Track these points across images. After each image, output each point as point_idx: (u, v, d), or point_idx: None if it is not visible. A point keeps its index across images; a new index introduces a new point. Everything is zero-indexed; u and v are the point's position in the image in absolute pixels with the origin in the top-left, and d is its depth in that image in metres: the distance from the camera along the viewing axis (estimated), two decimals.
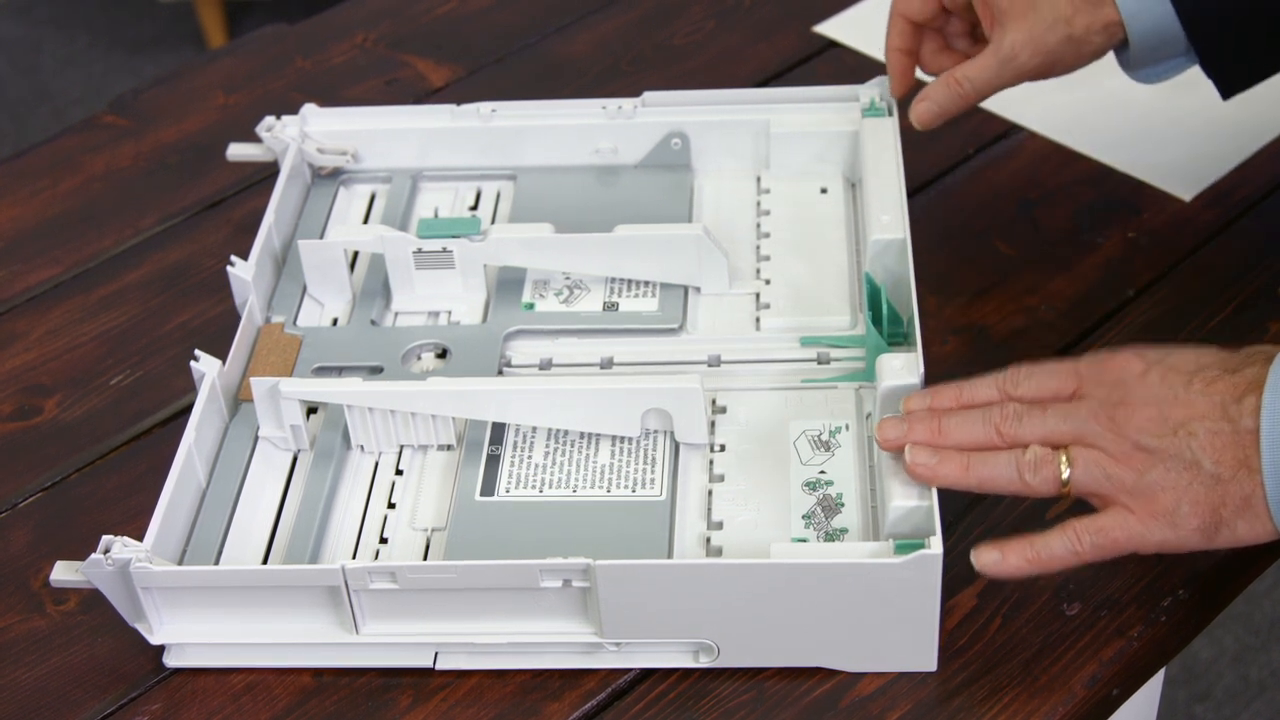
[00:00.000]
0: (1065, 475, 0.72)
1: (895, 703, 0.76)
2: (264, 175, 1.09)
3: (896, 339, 0.85)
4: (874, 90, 0.98)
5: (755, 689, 0.77)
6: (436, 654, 0.78)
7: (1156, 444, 0.71)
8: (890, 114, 0.97)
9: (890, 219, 0.88)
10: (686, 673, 0.78)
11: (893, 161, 0.93)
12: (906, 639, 0.76)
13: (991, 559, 0.73)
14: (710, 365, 0.89)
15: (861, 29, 1.20)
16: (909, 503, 0.75)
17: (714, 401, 0.87)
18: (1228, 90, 0.93)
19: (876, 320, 0.85)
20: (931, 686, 0.77)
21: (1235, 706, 1.70)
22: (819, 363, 0.88)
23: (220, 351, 0.87)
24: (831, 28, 1.20)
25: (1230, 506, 0.71)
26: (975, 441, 0.74)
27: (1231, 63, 0.91)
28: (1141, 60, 0.91)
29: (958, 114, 0.93)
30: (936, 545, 0.72)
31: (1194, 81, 0.95)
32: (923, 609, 0.75)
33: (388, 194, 1.02)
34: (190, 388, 0.88)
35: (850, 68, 1.16)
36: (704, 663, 0.77)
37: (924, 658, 0.77)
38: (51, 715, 0.79)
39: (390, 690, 0.78)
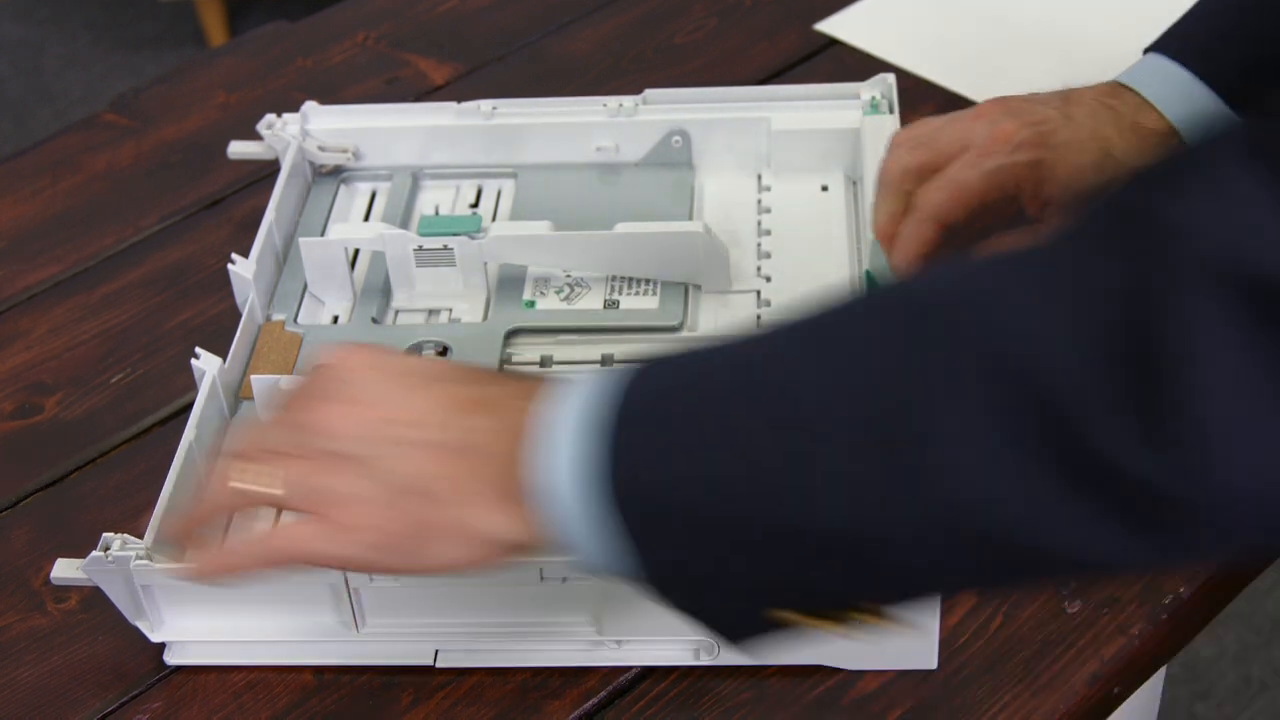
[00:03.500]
0: (277, 489, 0.65)
1: (896, 701, 0.76)
2: (265, 174, 1.09)
3: None
4: (875, 89, 0.98)
5: (756, 687, 0.77)
6: (437, 651, 0.78)
7: (365, 451, 0.63)
8: (891, 111, 0.97)
9: None
10: (687, 671, 0.78)
11: None
12: (907, 637, 0.75)
13: (192, 568, 0.69)
14: None
15: (862, 27, 1.20)
16: None
17: None
18: None
19: None
20: (933, 685, 0.77)
21: (1236, 705, 1.70)
22: None
23: (220, 350, 0.87)
24: (832, 26, 1.20)
25: (438, 528, 0.63)
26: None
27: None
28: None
29: None
30: None
31: None
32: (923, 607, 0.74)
33: (389, 192, 1.01)
34: (191, 386, 0.88)
35: (851, 66, 1.15)
36: (705, 660, 0.77)
37: (924, 656, 0.76)
38: (52, 714, 0.79)
39: (391, 689, 0.78)
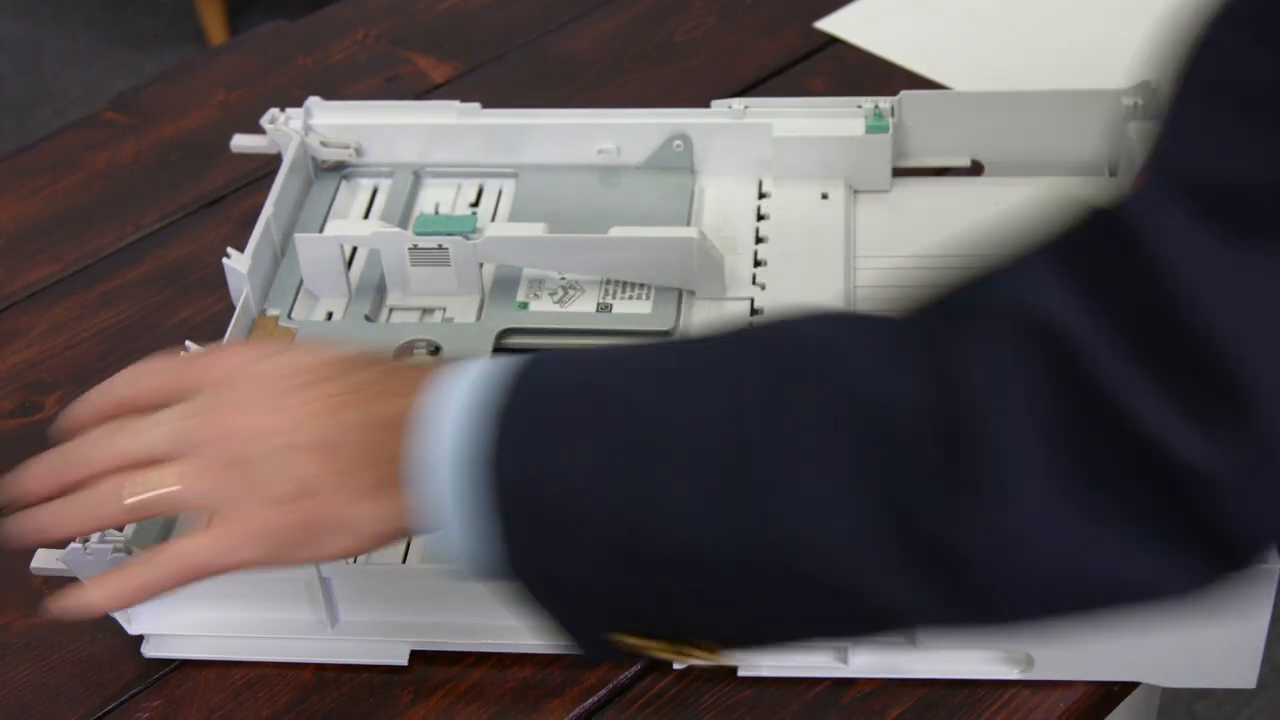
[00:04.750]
0: (173, 485, 0.66)
1: (896, 700, 0.76)
2: (265, 172, 1.09)
3: None
4: (881, 102, 0.98)
5: (757, 686, 0.77)
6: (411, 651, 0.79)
7: (246, 459, 0.65)
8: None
9: None
10: (688, 669, 0.78)
11: None
12: (1229, 654, 0.75)
13: (76, 602, 0.66)
14: None
15: (863, 25, 1.20)
16: None
17: None
18: None
19: None
20: (932, 683, 0.76)
21: (1236, 704, 1.70)
22: None
23: None
24: (833, 24, 1.20)
25: (323, 525, 0.64)
26: (72, 485, 0.68)
27: None
28: None
29: None
30: (1275, 562, 0.72)
31: None
32: (1249, 625, 0.74)
33: (390, 189, 1.01)
34: None
35: (851, 64, 1.16)
36: (1015, 675, 0.76)
37: (1246, 674, 0.76)
38: (53, 711, 0.79)
39: (391, 687, 0.78)
